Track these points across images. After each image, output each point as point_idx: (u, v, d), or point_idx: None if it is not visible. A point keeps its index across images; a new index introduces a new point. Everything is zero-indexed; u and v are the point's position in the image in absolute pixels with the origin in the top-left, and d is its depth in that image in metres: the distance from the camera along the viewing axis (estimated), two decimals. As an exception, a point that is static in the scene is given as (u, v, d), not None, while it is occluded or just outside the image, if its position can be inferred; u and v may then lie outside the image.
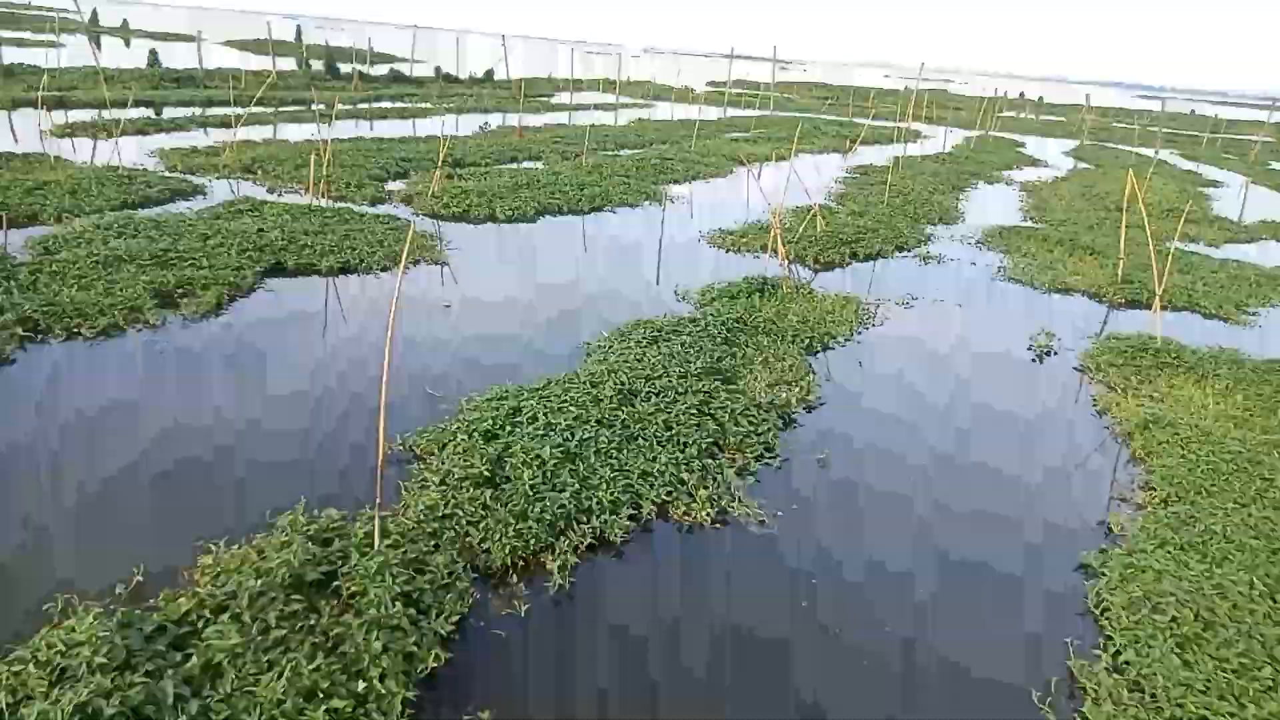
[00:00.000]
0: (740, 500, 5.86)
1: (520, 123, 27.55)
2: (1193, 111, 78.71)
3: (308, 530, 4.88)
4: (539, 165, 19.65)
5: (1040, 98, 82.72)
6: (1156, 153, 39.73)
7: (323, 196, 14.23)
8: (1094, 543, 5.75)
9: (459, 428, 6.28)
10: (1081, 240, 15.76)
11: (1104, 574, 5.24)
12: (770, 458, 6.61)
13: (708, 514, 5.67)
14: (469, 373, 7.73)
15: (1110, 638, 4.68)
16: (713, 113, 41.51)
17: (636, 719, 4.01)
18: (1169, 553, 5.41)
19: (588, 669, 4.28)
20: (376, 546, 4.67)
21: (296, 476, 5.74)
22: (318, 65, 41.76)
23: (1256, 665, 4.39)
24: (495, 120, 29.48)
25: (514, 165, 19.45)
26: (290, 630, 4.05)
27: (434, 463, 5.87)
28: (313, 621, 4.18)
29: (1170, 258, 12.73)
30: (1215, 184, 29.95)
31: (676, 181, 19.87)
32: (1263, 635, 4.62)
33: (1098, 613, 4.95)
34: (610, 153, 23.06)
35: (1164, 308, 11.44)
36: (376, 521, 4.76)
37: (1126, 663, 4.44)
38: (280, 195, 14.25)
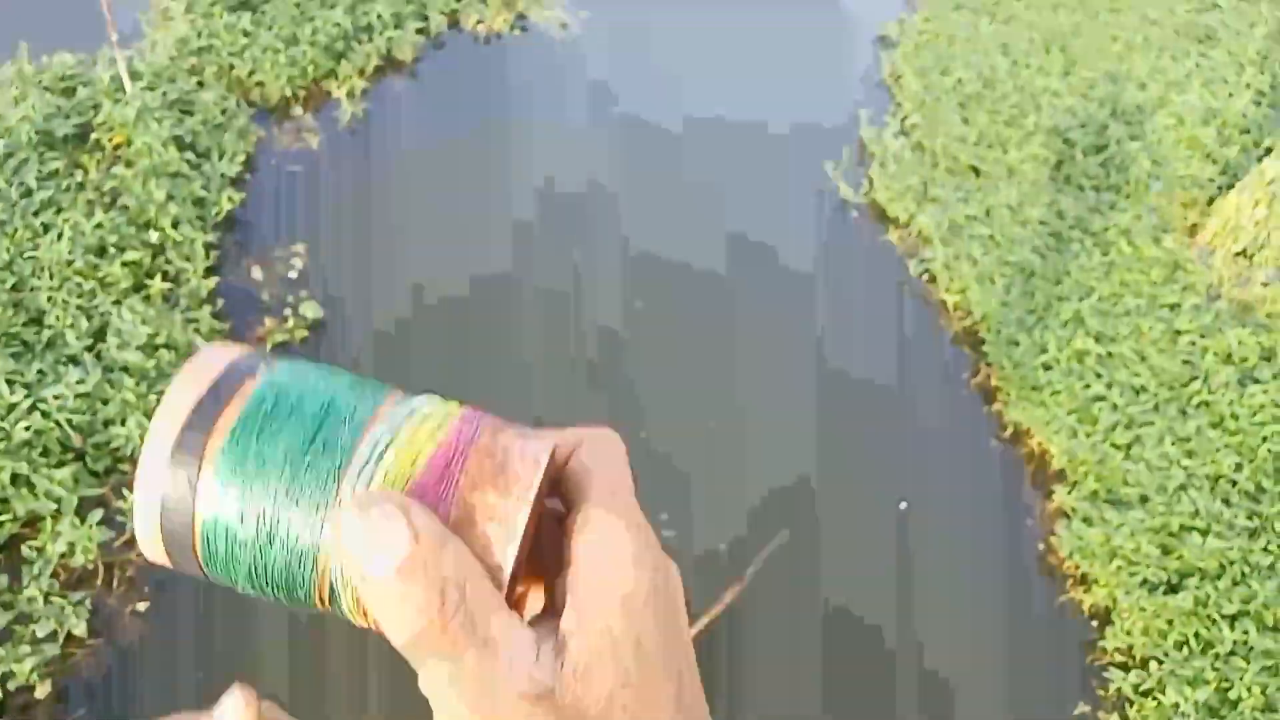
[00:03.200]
0: (540, 2, 5.37)
1: None
2: None
3: (40, 80, 4.18)
4: None
5: None
6: None
7: None
8: (894, 12, 5.77)
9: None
10: None
11: (899, 43, 5.35)
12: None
13: (505, 20, 5.21)
14: None
15: (900, 104, 4.94)
16: None
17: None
18: (963, 15, 5.52)
19: (385, 197, 4.16)
20: (130, 90, 4.08)
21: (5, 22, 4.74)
22: None
23: (1024, 114, 4.80)
24: None
25: None
26: (57, 190, 3.65)
27: (174, -13, 4.95)
28: (80, 179, 3.77)
29: None
30: None
31: None
32: (1033, 86, 4.98)
33: (893, 82, 5.14)
34: None
35: None
36: (121, 62, 4.09)
37: (914, 125, 4.74)
38: None
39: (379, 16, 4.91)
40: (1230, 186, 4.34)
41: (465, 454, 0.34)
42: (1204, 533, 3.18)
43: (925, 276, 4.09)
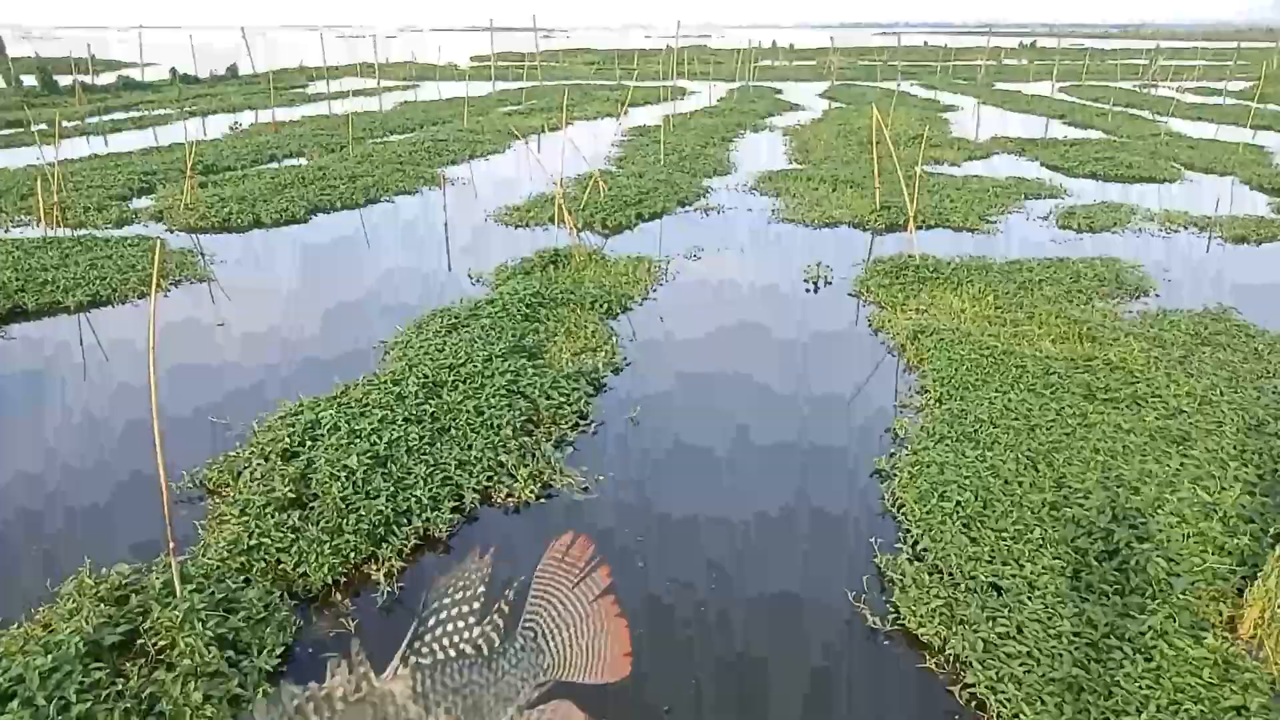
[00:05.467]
0: (561, 471, 5.90)
1: (275, 117, 25.90)
2: (925, 44, 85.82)
3: (97, 591, 4.47)
4: (301, 162, 18.60)
5: (791, 44, 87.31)
6: (898, 85, 43.08)
7: (58, 225, 12.79)
8: (884, 449, 6.28)
9: (253, 452, 5.91)
10: (841, 176, 16.88)
11: (895, 475, 5.74)
12: (585, 425, 6.71)
13: (531, 491, 5.68)
14: (255, 393, 7.27)
15: (908, 530, 5.15)
16: (481, 88, 40.79)
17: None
18: (948, 445, 6.00)
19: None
20: (179, 594, 4.34)
21: (76, 538, 5.21)
22: (30, 80, 37.15)
23: (1029, 529, 4.98)
24: (246, 119, 27.50)
25: (274, 165, 18.30)
26: (95, 702, 3.70)
27: (230, 494, 5.50)
28: (120, 687, 3.85)
29: (918, 180, 13.90)
30: (951, 108, 32.94)
31: (454, 162, 19.44)
32: (1030, 501, 5.24)
33: (895, 510, 5.42)
34: (379, 140, 22.17)
35: (919, 227, 12.51)
36: (174, 567, 4.41)
37: (925, 550, 4.90)
38: (7, 231, 12.68)
39: (418, 500, 5.37)
40: (1250, 577, 4.34)
41: None
42: None
43: (974, 704, 3.92)
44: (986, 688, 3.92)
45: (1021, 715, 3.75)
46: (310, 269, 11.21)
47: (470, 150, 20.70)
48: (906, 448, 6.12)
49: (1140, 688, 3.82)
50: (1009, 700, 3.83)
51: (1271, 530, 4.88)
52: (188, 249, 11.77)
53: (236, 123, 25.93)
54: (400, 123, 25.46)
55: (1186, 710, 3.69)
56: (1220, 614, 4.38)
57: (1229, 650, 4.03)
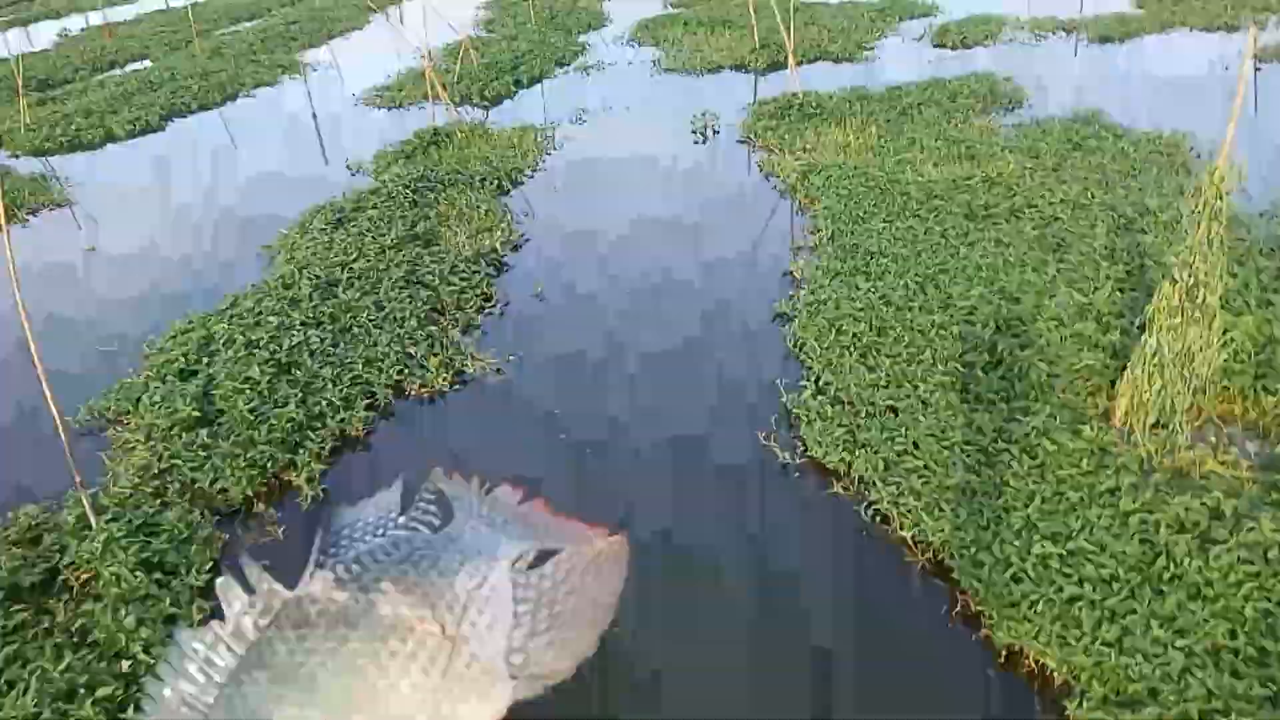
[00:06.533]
0: (472, 357, 5.89)
1: (107, 20, 23.54)
2: None
3: (7, 535, 4.38)
4: (146, 64, 17.13)
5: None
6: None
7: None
8: (784, 292, 6.43)
9: (149, 376, 5.71)
10: (718, 16, 16.42)
11: (795, 316, 5.92)
12: (490, 307, 6.67)
13: (444, 379, 5.67)
14: (140, 316, 6.94)
15: (810, 368, 5.36)
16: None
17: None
18: (841, 280, 6.18)
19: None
20: (95, 525, 4.27)
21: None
22: None
23: (921, 350, 5.24)
24: (76, 24, 24.90)
25: (117, 72, 16.80)
26: (22, 642, 3.69)
27: (133, 421, 5.35)
28: (47, 625, 3.83)
29: (793, 13, 13.62)
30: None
31: (311, 45, 18.18)
32: (920, 324, 5.49)
33: (798, 350, 5.61)
34: (227, 31, 20.46)
35: (799, 62, 12.36)
36: (85, 500, 4.32)
37: (827, 384, 5.12)
38: None
39: (329, 403, 5.31)
40: (1123, 369, 4.70)
41: None
42: (1225, 713, 3.10)
43: (879, 519, 4.23)
44: (889, 503, 4.22)
45: (922, 523, 4.06)
46: (177, 179, 10.53)
47: (326, 29, 19.36)
48: (805, 288, 6.28)
49: (1026, 484, 4.16)
50: (909, 511, 4.14)
51: (1139, 322, 5.24)
52: (39, 174, 10.86)
53: (65, 30, 23.47)
54: (246, 7, 23.47)
55: (1067, 498, 4.04)
56: (1096, 407, 4.74)
57: (1104, 439, 4.40)
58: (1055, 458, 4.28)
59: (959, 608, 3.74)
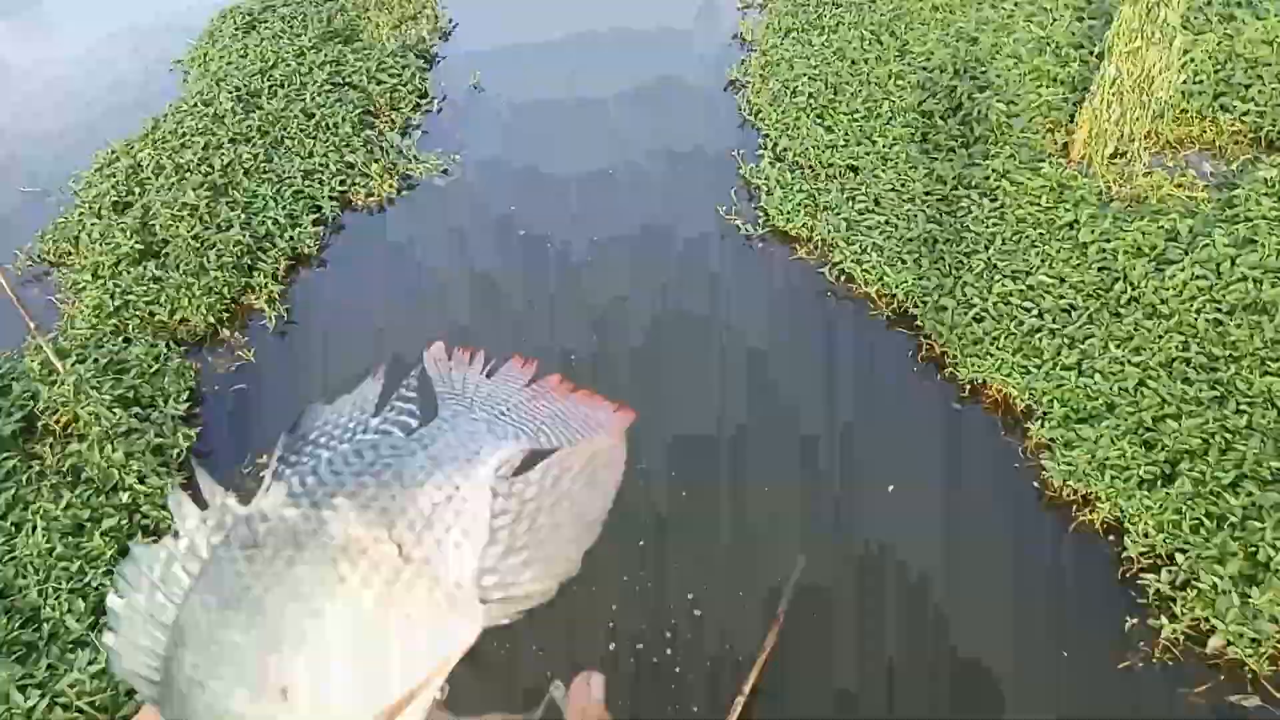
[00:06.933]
0: (415, 159, 5.65)
1: None
2: None
3: (-28, 390, 4.33)
4: None
5: None
6: None
7: None
8: (735, 58, 6.13)
9: (83, 213, 5.44)
10: None
11: (749, 82, 5.68)
12: (426, 104, 6.32)
13: (390, 185, 5.47)
14: (61, 151, 6.52)
15: (767, 135, 5.21)
16: None
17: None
18: (794, 38, 5.89)
19: (323, 385, 4.30)
20: (61, 369, 4.22)
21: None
22: None
23: (878, 104, 5.09)
24: None
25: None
26: (19, 487, 3.74)
27: (76, 262, 5.16)
28: (38, 468, 3.87)
29: None
30: None
31: None
32: (877, 76, 5.30)
33: (754, 118, 5.43)
34: None
35: None
36: (45, 345, 4.24)
37: (785, 150, 5.01)
38: None
39: (275, 221, 5.13)
40: (1081, 102, 4.61)
41: None
42: (1176, 416, 3.31)
43: (843, 279, 4.27)
44: (853, 261, 4.25)
45: (885, 277, 4.12)
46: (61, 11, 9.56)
47: None
48: (756, 50, 5.98)
49: (986, 227, 4.18)
50: (873, 268, 4.18)
51: (1097, 50, 5.08)
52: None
53: None
54: None
55: (1028, 236, 4.09)
56: (1055, 143, 4.69)
57: (1063, 174, 4.38)
58: (1014, 197, 4.29)
59: (924, 352, 3.87)
